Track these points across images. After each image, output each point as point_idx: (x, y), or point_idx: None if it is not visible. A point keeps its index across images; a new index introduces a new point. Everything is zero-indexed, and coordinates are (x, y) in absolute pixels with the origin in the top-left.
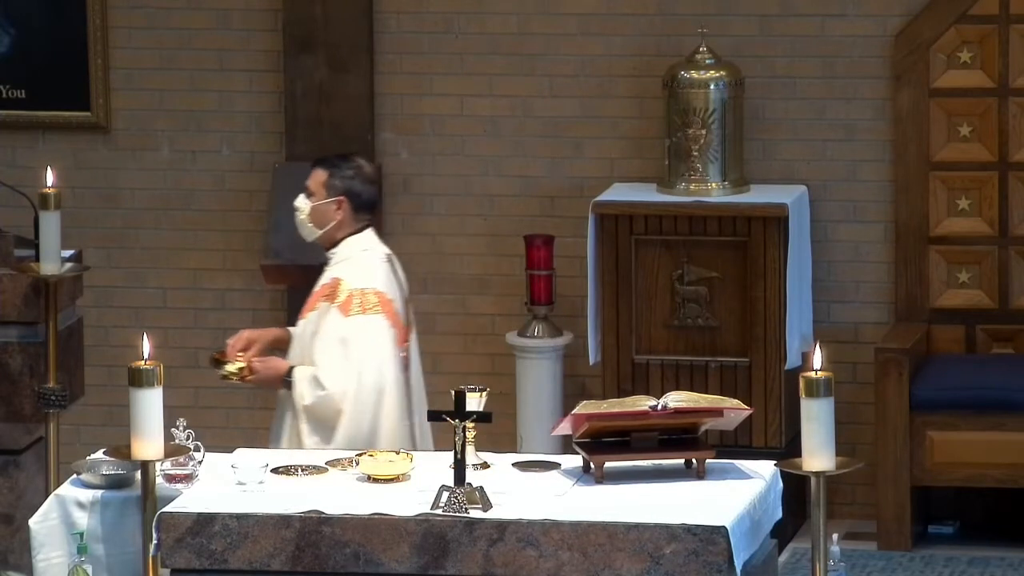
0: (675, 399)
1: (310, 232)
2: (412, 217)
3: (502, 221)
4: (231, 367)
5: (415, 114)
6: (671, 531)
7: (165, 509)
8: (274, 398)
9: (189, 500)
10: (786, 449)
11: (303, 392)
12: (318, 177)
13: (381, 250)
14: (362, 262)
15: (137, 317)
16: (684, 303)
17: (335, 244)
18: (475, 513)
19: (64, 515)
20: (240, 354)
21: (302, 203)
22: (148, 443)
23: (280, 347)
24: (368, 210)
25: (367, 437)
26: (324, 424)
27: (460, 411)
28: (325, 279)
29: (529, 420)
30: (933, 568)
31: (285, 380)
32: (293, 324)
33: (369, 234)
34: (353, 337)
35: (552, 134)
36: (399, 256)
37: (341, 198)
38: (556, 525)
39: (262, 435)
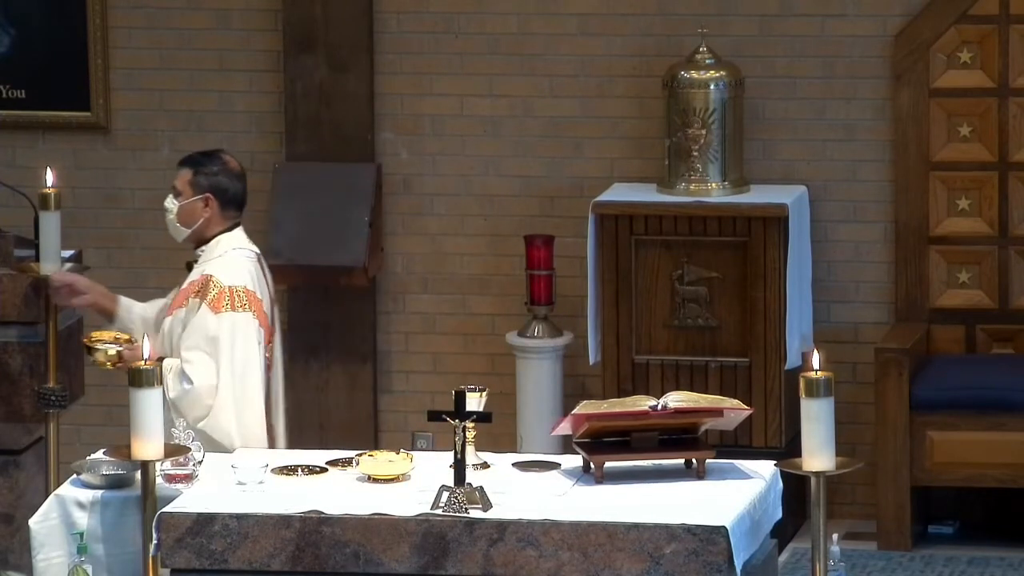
0: (675, 399)
1: (179, 232)
2: (412, 217)
3: (502, 221)
4: (102, 354)
5: (415, 114)
6: (671, 531)
7: (165, 509)
8: None
9: (189, 500)
10: (786, 449)
11: (169, 385)
12: (184, 176)
13: (251, 249)
14: (233, 260)
15: None
16: (684, 303)
17: (205, 242)
18: (475, 513)
19: (64, 515)
20: (112, 343)
21: (170, 204)
22: (148, 443)
23: (104, 314)
24: (236, 206)
25: (228, 434)
26: (186, 418)
27: (460, 411)
28: (194, 276)
29: (529, 420)
30: (933, 568)
31: None
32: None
33: (239, 232)
34: (222, 334)
35: (552, 134)
36: (399, 256)
37: (207, 195)
38: (556, 525)
39: None
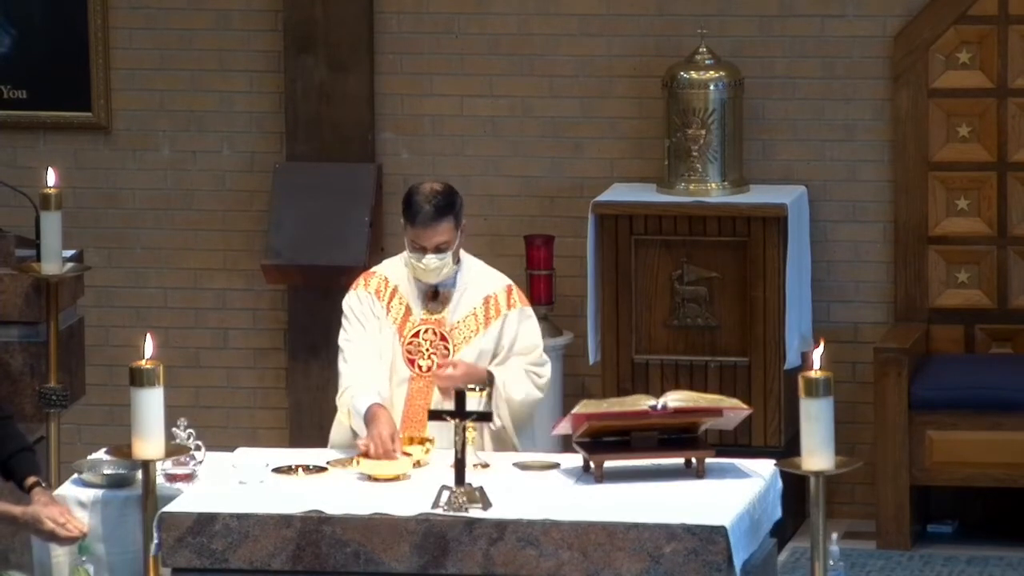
0: (675, 399)
1: (451, 271)
2: None
3: (502, 221)
4: (420, 455)
5: (415, 114)
6: (671, 531)
7: (166, 508)
8: (276, 397)
9: (190, 500)
10: (786, 448)
11: (515, 391)
12: (446, 227)
13: None
14: (486, 266)
15: (138, 317)
16: (684, 303)
17: (457, 261)
18: (475, 513)
19: None
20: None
21: (436, 261)
22: (149, 443)
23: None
24: None
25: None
26: (525, 417)
27: (460, 411)
28: (489, 290)
29: None
30: (932, 567)
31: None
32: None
33: None
34: (538, 328)
35: (552, 134)
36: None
37: (463, 224)
38: (556, 525)
39: (262, 435)
